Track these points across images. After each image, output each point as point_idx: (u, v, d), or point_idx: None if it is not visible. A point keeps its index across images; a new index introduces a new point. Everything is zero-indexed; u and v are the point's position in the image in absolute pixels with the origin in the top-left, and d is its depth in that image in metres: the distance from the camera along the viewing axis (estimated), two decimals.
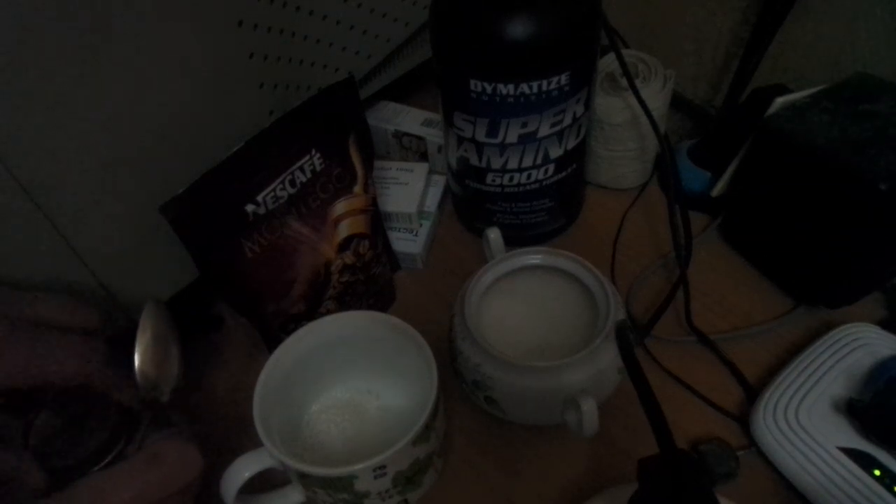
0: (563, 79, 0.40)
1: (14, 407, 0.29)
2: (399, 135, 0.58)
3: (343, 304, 0.43)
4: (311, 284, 0.40)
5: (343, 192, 0.40)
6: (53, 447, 0.29)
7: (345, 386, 0.41)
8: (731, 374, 0.43)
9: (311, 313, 0.41)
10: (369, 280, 0.44)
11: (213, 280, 0.36)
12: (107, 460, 0.29)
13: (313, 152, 0.37)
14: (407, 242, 0.51)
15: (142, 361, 0.31)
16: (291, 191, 0.37)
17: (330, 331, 0.37)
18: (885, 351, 0.38)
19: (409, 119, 0.58)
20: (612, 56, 0.50)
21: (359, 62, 0.51)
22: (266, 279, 0.37)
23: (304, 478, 0.32)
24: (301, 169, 0.37)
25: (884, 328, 0.40)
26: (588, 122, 0.45)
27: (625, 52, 0.51)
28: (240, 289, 0.37)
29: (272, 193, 0.35)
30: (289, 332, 0.37)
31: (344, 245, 0.41)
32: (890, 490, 0.33)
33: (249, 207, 0.35)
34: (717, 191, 0.50)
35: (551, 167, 0.45)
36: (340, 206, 0.40)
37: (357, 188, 0.41)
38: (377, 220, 0.44)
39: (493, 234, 0.41)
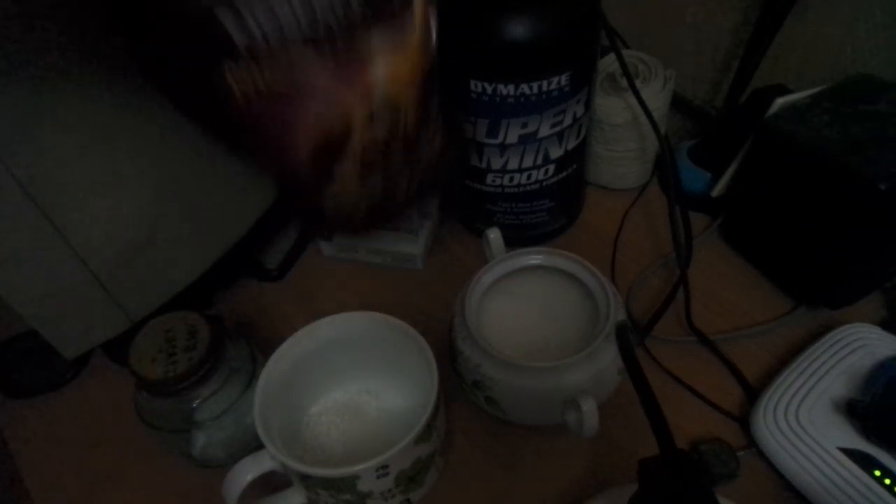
0: (564, 79, 0.40)
1: None
2: None
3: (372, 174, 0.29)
4: (326, 147, 0.26)
5: (384, 17, 0.24)
6: None
7: (344, 387, 0.41)
8: (731, 374, 0.43)
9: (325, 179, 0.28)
10: (409, 150, 0.29)
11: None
12: None
13: None
14: (407, 242, 0.51)
15: None
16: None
17: (329, 332, 0.37)
18: (885, 351, 0.38)
19: None
20: (612, 56, 0.50)
21: None
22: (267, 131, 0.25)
23: (306, 479, 0.32)
24: None
25: (884, 328, 0.40)
26: (588, 122, 0.45)
27: (625, 52, 0.51)
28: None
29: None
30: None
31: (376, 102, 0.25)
32: (890, 491, 0.33)
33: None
34: (717, 191, 0.50)
35: (551, 167, 0.45)
36: (378, 41, 0.25)
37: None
38: (432, 76, 0.28)
39: (494, 235, 0.41)
